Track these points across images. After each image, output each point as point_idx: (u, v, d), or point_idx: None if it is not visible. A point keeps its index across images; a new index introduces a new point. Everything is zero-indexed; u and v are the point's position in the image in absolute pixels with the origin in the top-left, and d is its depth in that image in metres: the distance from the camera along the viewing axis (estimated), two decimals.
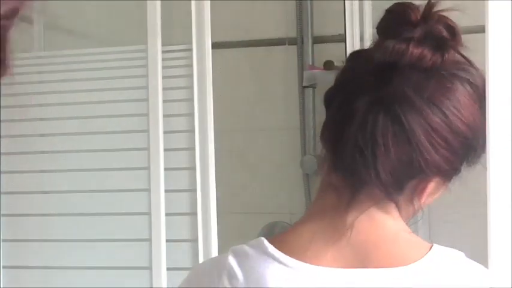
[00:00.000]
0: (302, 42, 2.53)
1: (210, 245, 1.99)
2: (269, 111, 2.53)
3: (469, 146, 0.91)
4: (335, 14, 2.37)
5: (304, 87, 2.48)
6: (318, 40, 2.52)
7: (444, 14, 0.95)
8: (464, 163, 0.93)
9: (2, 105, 2.15)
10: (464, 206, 2.44)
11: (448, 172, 0.91)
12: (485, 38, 1.69)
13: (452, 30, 0.93)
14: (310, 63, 2.50)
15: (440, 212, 2.45)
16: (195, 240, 2.00)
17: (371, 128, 0.88)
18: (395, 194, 0.90)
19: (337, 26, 2.29)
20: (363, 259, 0.89)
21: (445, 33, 0.92)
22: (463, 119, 0.90)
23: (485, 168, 1.61)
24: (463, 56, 0.94)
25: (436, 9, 0.95)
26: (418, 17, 0.92)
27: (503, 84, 1.70)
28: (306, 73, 2.48)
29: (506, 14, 1.68)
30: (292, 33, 2.55)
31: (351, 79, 0.94)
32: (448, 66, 0.91)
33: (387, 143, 0.87)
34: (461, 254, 0.92)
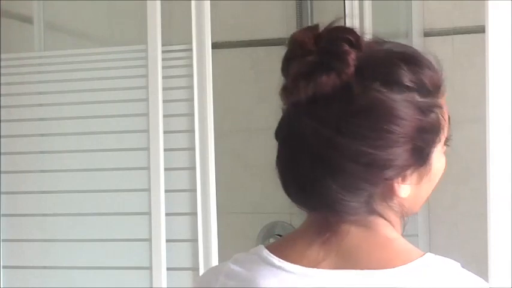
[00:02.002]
0: None
1: (210, 245, 1.99)
2: (269, 111, 2.52)
3: (404, 145, 0.88)
4: (335, 14, 2.37)
5: None
6: None
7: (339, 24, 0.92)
8: (424, 150, 0.91)
9: (2, 105, 2.15)
10: (464, 206, 2.44)
11: (400, 172, 0.89)
12: (485, 38, 1.70)
13: (349, 40, 0.87)
14: None
15: (440, 212, 2.45)
16: (195, 240, 2.01)
17: (303, 171, 0.91)
18: (362, 212, 0.91)
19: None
20: (353, 263, 0.90)
21: (341, 47, 0.88)
22: (381, 128, 0.87)
23: (484, 167, 1.61)
24: (378, 56, 0.91)
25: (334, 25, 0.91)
26: (309, 45, 0.89)
27: (503, 84, 1.71)
28: None
29: (506, 14, 1.68)
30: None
31: (281, 123, 0.96)
32: (357, 77, 0.88)
33: (320, 179, 0.89)
34: (456, 264, 0.91)
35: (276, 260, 0.93)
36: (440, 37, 2.48)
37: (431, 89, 0.91)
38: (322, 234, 0.93)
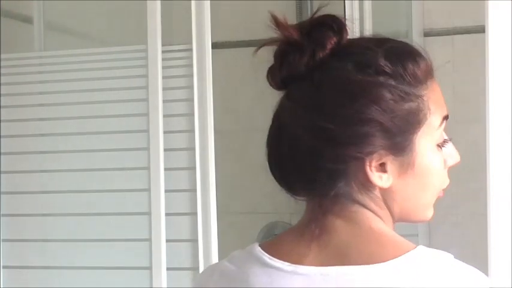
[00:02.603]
0: None
1: (210, 245, 1.99)
2: (269, 111, 2.53)
3: (371, 127, 0.89)
4: (335, 14, 2.37)
5: None
6: None
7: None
8: (398, 136, 0.91)
9: (2, 105, 2.15)
10: (464, 206, 2.44)
11: (371, 153, 0.90)
12: (485, 38, 1.70)
13: (330, 26, 0.92)
14: None
15: (440, 212, 2.45)
16: (195, 240, 2.01)
17: (276, 151, 0.95)
18: (340, 192, 0.91)
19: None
20: (343, 259, 0.90)
21: (325, 32, 0.92)
22: (348, 108, 0.88)
23: (485, 167, 1.61)
24: (355, 41, 0.93)
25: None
26: (292, 33, 0.94)
27: (503, 84, 1.71)
28: None
29: (506, 14, 1.68)
30: None
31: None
32: (331, 61, 0.91)
33: (292, 158, 0.92)
34: (449, 255, 0.91)
35: (267, 257, 0.94)
36: (440, 37, 2.48)
37: (410, 79, 0.91)
38: (312, 230, 0.93)
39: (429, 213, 0.98)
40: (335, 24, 0.92)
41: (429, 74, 0.94)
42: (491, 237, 1.65)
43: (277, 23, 0.94)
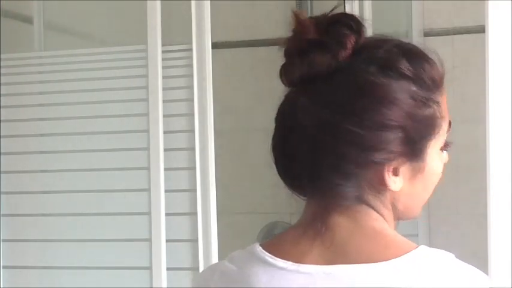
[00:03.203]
0: None
1: (210, 245, 1.99)
2: (269, 111, 2.53)
3: (396, 132, 0.89)
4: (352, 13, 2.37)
5: None
6: None
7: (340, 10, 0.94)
8: (417, 142, 0.91)
9: (2, 105, 2.15)
10: (464, 206, 2.44)
11: (390, 159, 0.90)
12: (485, 38, 1.69)
13: (349, 25, 0.90)
14: None
15: (440, 212, 2.45)
16: (195, 240, 2.01)
17: (290, 150, 0.92)
18: (348, 198, 0.91)
19: None
20: (344, 257, 0.90)
21: (340, 30, 0.90)
22: (371, 110, 0.87)
23: (484, 167, 1.61)
24: (376, 42, 0.92)
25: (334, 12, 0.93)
26: (310, 29, 0.91)
27: (503, 84, 1.71)
28: None
29: (506, 14, 1.68)
30: None
31: (281, 103, 0.97)
32: (355, 61, 0.89)
33: (306, 159, 0.90)
34: (450, 255, 0.91)
35: (268, 256, 0.93)
36: (440, 37, 2.48)
37: (429, 83, 0.91)
38: (313, 229, 0.93)
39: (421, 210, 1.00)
40: (353, 22, 0.91)
41: (443, 78, 0.94)
42: (491, 237, 1.65)
43: (298, 19, 0.92)
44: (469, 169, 2.33)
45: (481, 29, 1.80)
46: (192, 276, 1.99)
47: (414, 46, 0.94)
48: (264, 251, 0.94)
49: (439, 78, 0.93)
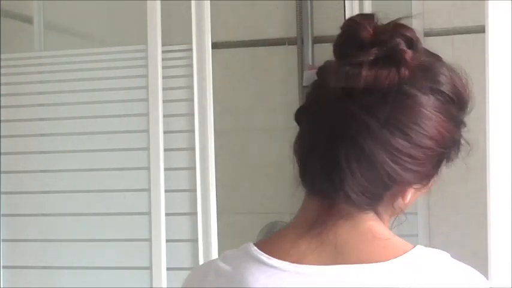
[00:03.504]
0: (302, 42, 2.53)
1: (210, 245, 1.99)
2: (269, 111, 2.53)
3: (437, 154, 0.91)
4: (335, 14, 2.37)
5: (304, 87, 2.48)
6: (318, 40, 2.52)
7: (402, 21, 0.93)
8: (441, 165, 0.93)
9: (2, 105, 2.15)
10: (464, 206, 2.44)
11: (422, 180, 0.92)
12: (485, 38, 1.69)
13: (410, 40, 0.90)
14: (310, 63, 2.51)
15: (440, 212, 2.45)
16: (195, 240, 2.01)
17: (334, 154, 0.89)
18: (372, 207, 0.91)
19: (337, 26, 2.29)
20: (344, 258, 0.90)
21: (401, 45, 0.89)
22: (426, 134, 0.89)
23: (485, 167, 1.61)
24: (426, 60, 0.92)
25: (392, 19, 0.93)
26: (370, 35, 0.91)
27: (503, 84, 1.70)
28: (306, 73, 2.48)
29: (506, 14, 1.68)
30: (292, 33, 2.55)
31: (316, 99, 0.96)
32: (410, 79, 0.90)
33: (352, 167, 0.88)
34: (446, 255, 0.92)
35: (265, 257, 0.92)
36: (440, 37, 2.48)
37: (464, 105, 0.95)
38: (313, 229, 0.92)
39: None
40: (413, 37, 0.91)
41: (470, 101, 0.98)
42: (491, 237, 1.65)
43: (361, 32, 0.92)
44: (469, 169, 2.32)
45: (481, 29, 1.80)
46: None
47: (458, 73, 0.95)
48: (260, 251, 0.93)
49: (469, 100, 0.97)
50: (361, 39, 0.91)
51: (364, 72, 0.88)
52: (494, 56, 1.67)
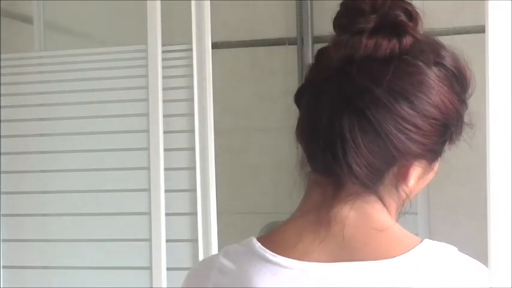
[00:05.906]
0: (302, 42, 2.53)
1: (210, 245, 1.99)
2: (269, 111, 2.53)
3: (442, 126, 0.89)
4: (335, 14, 2.37)
5: None
6: (318, 40, 2.52)
7: None
8: (445, 143, 0.92)
9: (2, 105, 2.15)
10: (464, 206, 2.44)
11: (426, 155, 0.90)
12: (485, 38, 1.69)
13: (409, 13, 0.90)
14: (310, 63, 2.51)
15: (440, 212, 2.45)
16: (195, 240, 2.00)
17: (338, 127, 0.87)
18: (375, 185, 0.89)
19: None
20: (350, 253, 0.88)
21: (401, 17, 0.89)
22: (430, 102, 0.88)
23: (485, 167, 1.61)
24: (427, 38, 0.92)
25: None
26: (370, 6, 0.89)
27: (503, 84, 1.70)
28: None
29: (506, 14, 1.68)
30: (292, 33, 2.55)
31: (315, 78, 0.94)
32: (412, 50, 0.89)
33: (356, 138, 0.86)
34: (454, 248, 0.91)
35: (269, 254, 0.90)
36: (440, 37, 2.48)
37: (466, 85, 0.94)
38: (317, 221, 0.90)
39: None
40: (413, 11, 0.91)
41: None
42: (491, 237, 1.64)
43: (360, 4, 0.90)
44: (469, 169, 2.33)
45: (481, 29, 1.80)
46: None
47: (456, 54, 0.95)
48: (264, 248, 0.91)
49: (471, 81, 0.95)
50: (361, 8, 0.90)
51: (364, 39, 0.88)
52: (494, 56, 1.66)
